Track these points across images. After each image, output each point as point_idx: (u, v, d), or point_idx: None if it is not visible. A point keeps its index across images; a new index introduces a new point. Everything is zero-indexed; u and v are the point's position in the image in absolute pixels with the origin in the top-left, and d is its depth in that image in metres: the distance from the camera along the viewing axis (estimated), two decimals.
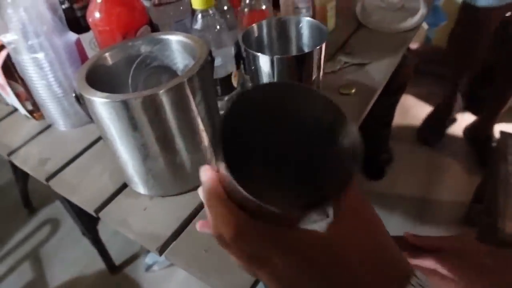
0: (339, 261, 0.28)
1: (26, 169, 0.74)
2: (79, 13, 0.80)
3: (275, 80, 0.61)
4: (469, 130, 1.82)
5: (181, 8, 0.76)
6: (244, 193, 0.26)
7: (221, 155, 0.27)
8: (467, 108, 1.95)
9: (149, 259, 1.50)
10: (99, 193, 0.66)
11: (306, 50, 0.67)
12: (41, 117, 0.84)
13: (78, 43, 0.76)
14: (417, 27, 1.02)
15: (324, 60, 0.63)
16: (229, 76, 0.73)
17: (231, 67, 0.73)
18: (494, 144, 1.71)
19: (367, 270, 0.29)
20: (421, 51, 2.13)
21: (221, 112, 0.76)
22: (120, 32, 0.70)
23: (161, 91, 0.51)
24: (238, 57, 0.75)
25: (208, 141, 0.61)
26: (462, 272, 0.45)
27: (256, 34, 0.67)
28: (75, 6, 0.80)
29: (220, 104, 0.76)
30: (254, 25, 0.66)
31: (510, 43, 1.52)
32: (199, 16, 0.68)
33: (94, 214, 0.63)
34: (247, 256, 0.29)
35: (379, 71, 0.87)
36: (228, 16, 0.77)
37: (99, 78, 0.58)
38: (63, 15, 0.74)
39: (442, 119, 1.88)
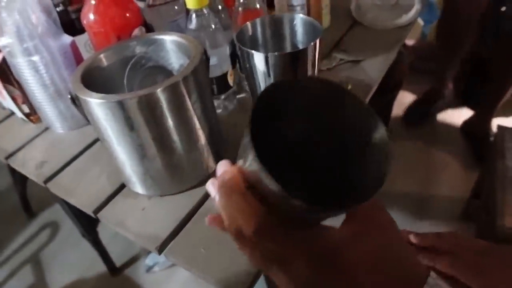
0: (353, 264, 0.28)
1: (24, 172, 0.74)
2: (73, 16, 0.79)
3: (271, 78, 0.61)
4: (466, 125, 1.82)
5: (176, 8, 0.76)
6: (274, 185, 0.25)
7: (250, 145, 0.26)
8: (464, 103, 1.95)
9: (149, 260, 1.50)
10: (97, 194, 0.66)
11: (300, 47, 0.67)
12: (38, 120, 0.84)
13: (73, 45, 0.76)
14: (412, 23, 1.02)
15: (319, 57, 0.63)
16: (224, 75, 0.73)
17: (227, 66, 0.74)
18: (491, 139, 1.71)
19: (376, 278, 0.28)
20: (417, 48, 2.13)
21: (219, 111, 0.76)
22: (114, 33, 0.70)
23: (156, 91, 0.51)
24: (234, 56, 0.75)
25: (205, 140, 0.61)
26: (458, 271, 0.45)
27: (250, 32, 0.67)
28: (70, 8, 0.80)
29: (216, 103, 0.76)
30: (248, 23, 0.66)
31: (504, 38, 1.53)
32: (194, 16, 0.68)
33: (92, 215, 0.64)
34: (265, 252, 0.29)
35: (374, 67, 0.87)
36: (222, 15, 0.77)
37: (95, 80, 0.58)
38: (57, 17, 0.74)
39: (428, 104, 1.91)
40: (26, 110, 0.83)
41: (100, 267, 1.50)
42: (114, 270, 1.51)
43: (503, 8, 1.53)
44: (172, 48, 0.63)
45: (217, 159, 0.65)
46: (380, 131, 0.31)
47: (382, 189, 0.27)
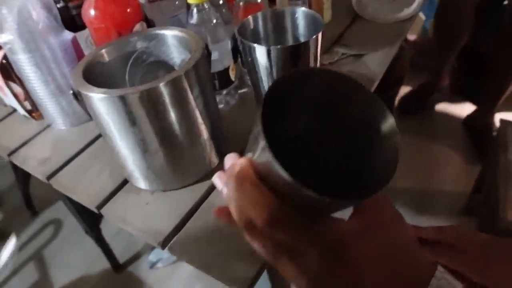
0: (362, 257, 0.28)
1: (26, 168, 0.74)
2: (74, 12, 0.80)
3: (273, 71, 0.61)
4: (469, 120, 1.82)
5: (176, 3, 0.76)
6: (285, 176, 0.25)
7: (262, 135, 0.26)
8: (465, 97, 1.95)
9: (153, 256, 1.50)
10: (100, 190, 0.66)
11: (302, 40, 0.67)
12: (40, 117, 0.84)
13: (74, 41, 0.76)
14: (413, 17, 1.02)
15: (321, 50, 0.63)
16: (226, 70, 0.73)
17: (228, 61, 0.73)
18: (494, 133, 1.71)
19: (384, 271, 0.28)
20: (418, 43, 2.13)
21: (220, 106, 0.76)
22: (115, 29, 0.70)
23: (158, 85, 0.51)
24: (235, 51, 0.75)
25: (207, 134, 0.61)
26: (460, 265, 0.45)
27: (251, 26, 0.67)
28: (70, 4, 0.80)
29: (218, 98, 0.76)
30: (250, 17, 0.66)
31: (505, 32, 1.52)
32: (195, 10, 0.68)
33: (96, 210, 0.64)
34: (277, 244, 0.28)
35: (376, 61, 0.87)
36: (223, 10, 0.77)
37: (96, 75, 0.58)
38: (58, 14, 0.74)
39: (424, 96, 1.93)
40: (28, 107, 0.83)
41: (104, 264, 1.50)
42: (117, 266, 1.52)
43: (506, 1, 1.53)
44: (173, 43, 0.63)
45: (219, 155, 0.65)
46: (389, 122, 0.31)
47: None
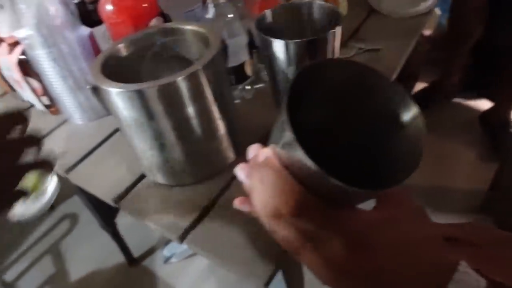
0: (385, 246, 0.28)
1: None
2: (90, 7, 0.80)
3: (291, 66, 0.61)
4: (485, 115, 1.79)
5: None
6: (311, 164, 0.25)
7: (287, 125, 0.26)
8: (479, 93, 1.92)
9: (167, 251, 1.51)
10: (117, 184, 0.66)
11: (319, 34, 0.67)
12: (58, 111, 0.85)
13: (91, 36, 0.76)
14: (430, 11, 1.00)
15: (339, 44, 0.62)
16: (242, 65, 0.73)
17: (244, 56, 0.73)
18: (511, 130, 1.68)
19: (408, 261, 0.28)
20: (434, 37, 2.10)
21: (236, 101, 0.76)
22: (132, 24, 0.70)
23: (176, 80, 0.51)
24: (251, 46, 0.75)
25: (224, 129, 0.61)
26: (480, 263, 0.44)
27: (269, 20, 0.66)
28: (87, 0, 0.80)
29: (234, 93, 0.76)
30: (268, 11, 0.65)
31: None
32: (211, 5, 0.68)
33: (113, 204, 0.64)
34: (301, 233, 0.28)
35: (393, 57, 0.86)
36: (239, 4, 0.76)
37: (114, 70, 0.58)
38: (75, 9, 0.74)
39: (436, 92, 1.89)
40: (46, 102, 0.84)
41: (118, 257, 1.52)
42: (132, 260, 1.53)
43: None
44: (191, 37, 0.63)
45: (234, 150, 0.65)
46: (413, 111, 0.30)
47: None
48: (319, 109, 0.34)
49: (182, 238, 0.57)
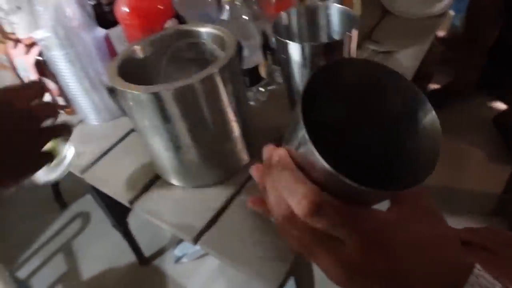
0: (402, 246, 0.28)
1: None
2: (106, 9, 0.81)
3: (306, 68, 0.60)
4: (500, 117, 1.77)
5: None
6: (327, 167, 0.25)
7: (302, 127, 0.26)
8: (495, 95, 1.90)
9: (178, 251, 1.52)
10: (132, 185, 0.67)
11: (336, 37, 0.67)
12: (73, 112, 0.86)
13: (107, 38, 0.77)
14: (445, 12, 0.99)
15: (355, 47, 0.62)
16: (256, 67, 0.73)
17: (258, 58, 0.73)
18: None
19: (425, 261, 0.28)
20: (448, 38, 2.08)
21: (250, 103, 0.76)
22: (147, 25, 0.71)
23: (192, 82, 0.51)
24: (265, 47, 0.75)
25: (239, 131, 0.61)
26: (493, 268, 0.44)
27: (285, 22, 0.66)
28: (103, 1, 0.81)
29: (248, 94, 0.76)
30: (284, 13, 0.65)
31: None
32: (226, 7, 0.68)
33: (128, 205, 0.64)
34: (315, 233, 0.28)
35: (408, 58, 0.85)
36: (254, 6, 0.76)
37: (130, 71, 0.59)
38: (91, 11, 0.75)
39: (450, 93, 1.87)
40: (62, 102, 0.85)
41: (130, 257, 1.53)
42: (143, 260, 1.54)
43: None
44: (206, 39, 0.63)
45: (249, 151, 0.65)
46: (428, 112, 0.30)
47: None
48: (334, 109, 0.34)
49: (196, 239, 0.58)
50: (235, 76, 0.57)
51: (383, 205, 0.30)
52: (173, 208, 0.62)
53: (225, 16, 0.69)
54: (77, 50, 0.73)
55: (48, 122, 0.49)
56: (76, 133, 0.82)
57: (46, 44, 0.73)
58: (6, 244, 1.73)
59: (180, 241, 1.54)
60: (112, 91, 0.58)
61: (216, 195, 0.62)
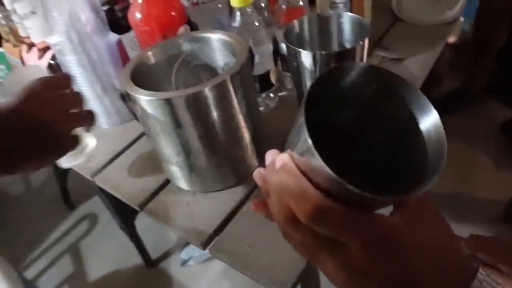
0: (406, 250, 0.28)
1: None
2: (119, 14, 0.82)
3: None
4: (508, 123, 1.76)
5: (219, 6, 0.77)
6: (330, 172, 0.25)
7: (306, 133, 0.26)
8: (505, 101, 1.89)
9: (184, 254, 1.52)
10: (142, 189, 0.67)
11: (347, 45, 0.67)
12: None
13: (119, 43, 0.78)
14: (456, 19, 0.99)
15: (366, 56, 0.62)
16: (267, 73, 0.73)
17: (269, 64, 0.74)
18: None
19: (432, 265, 0.28)
20: (458, 44, 2.07)
21: (260, 109, 0.76)
22: (160, 31, 0.72)
23: (205, 89, 0.52)
24: (276, 54, 0.75)
25: (249, 137, 0.61)
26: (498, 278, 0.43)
27: (297, 30, 0.67)
28: (116, 7, 0.82)
29: (258, 101, 0.76)
30: (295, 21, 0.66)
31: None
32: (238, 14, 0.68)
33: (138, 209, 0.65)
34: (318, 238, 0.28)
35: (418, 65, 0.85)
36: (265, 13, 0.77)
37: (142, 77, 0.60)
38: (105, 16, 0.76)
39: (458, 99, 1.86)
40: None
41: (136, 259, 1.53)
42: (149, 262, 1.54)
43: None
44: (217, 46, 0.64)
45: (259, 157, 0.65)
46: (433, 117, 0.30)
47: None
48: (338, 113, 0.34)
49: (205, 245, 0.58)
50: (246, 82, 0.57)
51: (386, 208, 0.31)
52: (183, 213, 0.62)
53: (236, 23, 0.69)
54: (90, 55, 0.74)
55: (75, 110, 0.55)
56: None
57: (59, 48, 0.74)
58: (14, 244, 1.75)
59: (186, 244, 1.54)
60: (124, 96, 0.58)
61: (226, 201, 0.62)
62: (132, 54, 0.79)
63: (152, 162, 0.71)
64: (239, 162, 0.64)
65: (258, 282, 0.53)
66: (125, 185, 0.69)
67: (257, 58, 0.71)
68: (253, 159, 0.65)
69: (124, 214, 1.31)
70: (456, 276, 0.28)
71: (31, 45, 0.84)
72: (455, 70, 1.82)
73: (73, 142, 0.56)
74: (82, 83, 0.77)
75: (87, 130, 0.61)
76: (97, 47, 0.74)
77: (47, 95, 0.52)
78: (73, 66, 0.75)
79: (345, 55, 0.58)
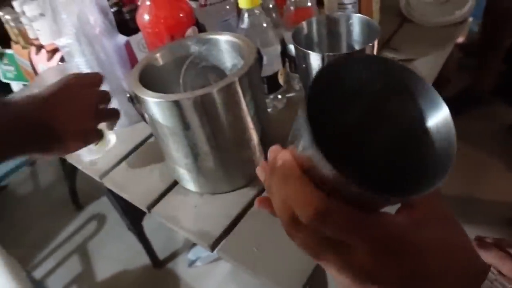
0: (413, 250, 0.27)
1: (80, 167, 0.77)
2: (128, 16, 0.82)
3: None
4: None
5: (227, 7, 0.77)
6: (331, 170, 0.24)
7: (306, 127, 0.25)
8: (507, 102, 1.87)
9: (192, 254, 1.52)
10: (150, 190, 0.67)
11: (356, 47, 0.66)
12: None
13: (128, 45, 0.78)
14: (465, 20, 0.98)
15: None
16: (275, 75, 0.73)
17: (277, 65, 0.73)
18: None
19: (443, 264, 0.27)
20: (466, 45, 2.06)
21: (268, 110, 0.76)
22: (168, 33, 0.72)
23: (213, 91, 0.52)
24: (284, 55, 0.75)
25: (257, 139, 0.61)
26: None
27: (305, 31, 0.66)
28: (124, 9, 0.82)
29: (266, 102, 0.76)
30: (304, 22, 0.65)
31: None
32: (246, 15, 0.68)
33: (146, 210, 0.65)
34: (322, 239, 0.27)
35: (427, 66, 0.84)
36: (273, 14, 0.77)
37: (150, 78, 0.60)
38: (113, 18, 0.76)
39: (466, 100, 1.84)
40: None
41: (144, 259, 1.54)
42: (157, 263, 1.55)
43: None
44: (225, 47, 0.64)
45: (267, 159, 0.65)
46: (443, 113, 0.29)
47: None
48: (342, 109, 0.33)
49: (213, 246, 0.58)
50: (254, 84, 0.57)
51: (392, 206, 0.30)
52: (191, 214, 0.62)
53: (244, 24, 0.69)
54: (98, 57, 0.74)
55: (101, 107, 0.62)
56: None
57: (68, 50, 0.74)
58: (23, 244, 1.77)
59: (193, 244, 1.55)
60: (132, 98, 0.58)
61: (234, 202, 0.62)
62: (140, 55, 0.80)
63: (160, 164, 0.72)
64: (246, 163, 0.63)
65: (265, 284, 0.53)
66: (133, 186, 0.70)
67: (265, 60, 0.71)
68: (261, 161, 0.65)
69: (132, 215, 1.32)
70: (465, 276, 0.28)
71: (40, 47, 0.85)
72: (462, 71, 1.80)
73: (98, 136, 0.62)
74: None
75: (111, 128, 0.67)
76: (105, 49, 0.74)
77: (79, 90, 0.58)
78: (81, 67, 0.75)
79: None
